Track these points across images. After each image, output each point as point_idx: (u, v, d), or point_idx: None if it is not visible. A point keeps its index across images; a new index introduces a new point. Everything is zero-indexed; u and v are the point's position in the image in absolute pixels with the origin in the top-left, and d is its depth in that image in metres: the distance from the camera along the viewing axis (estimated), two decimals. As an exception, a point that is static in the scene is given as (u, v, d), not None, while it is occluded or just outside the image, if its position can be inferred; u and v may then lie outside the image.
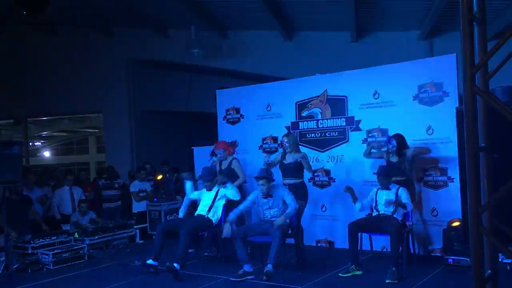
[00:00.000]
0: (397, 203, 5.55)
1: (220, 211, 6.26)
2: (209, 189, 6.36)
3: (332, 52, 10.26)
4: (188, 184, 6.61)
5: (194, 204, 6.63)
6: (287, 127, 7.73)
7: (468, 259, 5.34)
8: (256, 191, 5.97)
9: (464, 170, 2.22)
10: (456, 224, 5.85)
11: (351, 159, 7.10)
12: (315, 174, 7.37)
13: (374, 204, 5.85)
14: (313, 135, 7.48)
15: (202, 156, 8.54)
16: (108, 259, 7.01)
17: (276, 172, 6.49)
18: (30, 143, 35.01)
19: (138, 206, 8.97)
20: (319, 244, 7.39)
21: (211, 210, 6.24)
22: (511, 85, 5.51)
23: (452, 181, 6.23)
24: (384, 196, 5.74)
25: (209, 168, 6.65)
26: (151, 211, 8.42)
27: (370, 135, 6.96)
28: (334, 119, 7.29)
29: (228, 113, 8.50)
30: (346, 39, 10.27)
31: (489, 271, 2.31)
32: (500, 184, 2.01)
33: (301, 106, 7.61)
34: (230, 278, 5.47)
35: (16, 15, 7.89)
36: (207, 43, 10.96)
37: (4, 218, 6.44)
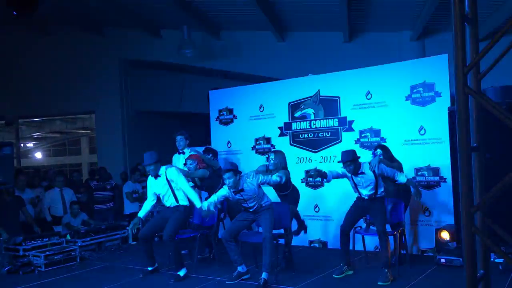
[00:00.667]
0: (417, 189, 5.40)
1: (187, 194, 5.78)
2: (156, 176, 5.78)
3: (325, 52, 10.27)
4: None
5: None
6: (280, 128, 7.73)
7: (460, 259, 5.37)
8: (227, 187, 5.43)
9: (456, 170, 2.24)
10: (445, 236, 5.86)
11: (344, 159, 7.10)
12: (308, 175, 7.34)
13: (354, 188, 5.57)
14: (306, 135, 7.49)
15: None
16: (100, 260, 6.97)
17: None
18: (22, 144, 34.78)
19: (130, 207, 8.92)
20: (312, 245, 7.39)
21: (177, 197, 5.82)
22: (503, 85, 5.54)
23: (445, 181, 6.26)
24: (362, 180, 5.40)
25: (149, 153, 5.78)
26: (144, 212, 8.37)
27: (362, 135, 6.97)
28: (327, 120, 7.30)
29: (221, 113, 8.49)
30: (339, 39, 10.29)
31: (482, 271, 2.31)
32: (492, 184, 2.01)
33: (294, 106, 7.61)
34: (227, 282, 5.43)
35: (7, 16, 7.82)
36: (200, 44, 10.94)
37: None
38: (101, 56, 12.39)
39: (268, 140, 7.90)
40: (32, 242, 6.75)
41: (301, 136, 7.52)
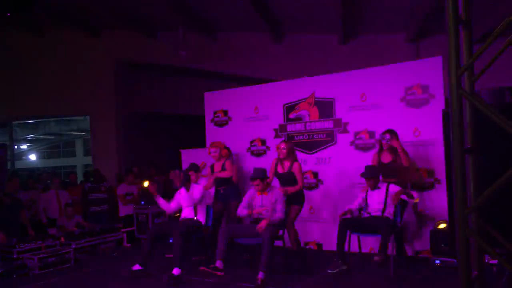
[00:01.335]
0: (403, 193, 5.56)
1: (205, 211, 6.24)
2: (188, 189, 6.28)
3: (320, 54, 10.30)
4: None
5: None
6: (275, 130, 7.73)
7: (455, 261, 5.37)
8: (251, 190, 6.04)
9: (450, 172, 2.25)
10: (442, 226, 5.88)
11: (339, 161, 7.12)
12: (303, 177, 7.35)
13: (364, 206, 5.83)
14: (301, 137, 7.49)
15: (190, 158, 8.50)
16: (95, 263, 6.94)
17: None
18: (16, 146, 34.62)
19: (125, 210, 8.89)
20: (307, 246, 7.39)
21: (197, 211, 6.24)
22: (497, 86, 5.55)
23: (439, 183, 6.28)
24: (375, 197, 5.75)
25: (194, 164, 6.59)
26: (138, 214, 8.36)
27: (357, 137, 6.99)
28: (322, 121, 7.31)
29: (216, 115, 8.48)
30: (334, 41, 10.31)
31: (476, 272, 2.32)
32: (487, 186, 2.02)
33: (289, 108, 7.62)
34: (200, 268, 5.48)
35: (1, 16, 7.79)
36: (195, 45, 10.92)
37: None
38: (96, 58, 12.35)
39: (263, 141, 7.90)
40: (26, 244, 6.71)
41: (296, 137, 7.53)
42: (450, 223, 5.73)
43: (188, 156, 8.75)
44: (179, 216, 6.45)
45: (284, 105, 7.66)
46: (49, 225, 8.43)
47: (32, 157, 37.87)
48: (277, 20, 10.15)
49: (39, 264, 6.42)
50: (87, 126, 15.98)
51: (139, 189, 9.01)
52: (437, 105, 6.25)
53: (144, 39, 11.84)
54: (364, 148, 6.91)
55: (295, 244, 6.07)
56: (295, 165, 6.11)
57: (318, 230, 7.29)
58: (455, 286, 2.11)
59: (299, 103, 7.52)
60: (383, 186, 5.74)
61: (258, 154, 7.90)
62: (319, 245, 7.31)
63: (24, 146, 36.23)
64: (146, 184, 8.86)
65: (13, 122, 21.27)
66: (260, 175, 5.83)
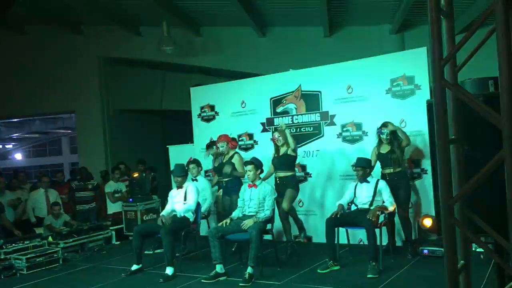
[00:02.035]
0: (379, 208, 5.60)
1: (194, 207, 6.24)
2: (180, 186, 6.28)
3: (306, 47, 10.28)
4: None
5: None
6: (262, 124, 7.72)
7: (442, 249, 5.43)
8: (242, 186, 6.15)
9: (435, 163, 2.25)
10: (427, 223, 5.93)
11: (327, 154, 7.14)
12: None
13: (353, 198, 5.86)
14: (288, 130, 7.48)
15: (177, 155, 8.47)
16: (83, 262, 6.90)
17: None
18: (1, 145, 34.19)
19: (113, 207, 8.83)
20: (296, 240, 7.40)
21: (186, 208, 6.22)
22: (481, 77, 5.59)
23: (426, 173, 6.33)
24: (363, 190, 5.78)
25: (181, 165, 6.54)
26: (127, 211, 8.31)
27: (344, 129, 7.01)
28: (309, 114, 7.31)
29: (202, 110, 8.45)
30: (319, 34, 10.30)
31: (462, 261, 2.34)
32: (471, 176, 2.03)
33: (276, 102, 7.61)
34: (202, 280, 5.44)
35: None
36: (180, 40, 10.84)
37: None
38: (79, 55, 12.19)
39: (250, 136, 7.89)
40: (13, 245, 6.64)
41: (284, 131, 7.51)
42: (436, 213, 5.80)
43: (176, 152, 8.72)
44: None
45: (271, 99, 7.65)
46: (38, 224, 8.34)
47: (18, 156, 37.44)
48: (261, 13, 10.10)
49: (27, 264, 6.37)
50: (73, 124, 15.81)
51: (131, 179, 8.97)
52: (423, 96, 6.28)
53: (128, 35, 11.71)
54: (351, 140, 6.94)
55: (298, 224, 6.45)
56: (290, 151, 6.30)
57: (307, 223, 7.30)
58: (443, 274, 2.13)
59: (286, 96, 7.51)
60: (372, 181, 5.76)
61: (246, 149, 7.89)
62: (309, 238, 7.32)
63: (9, 145, 35.80)
64: (136, 175, 8.85)
65: (-3, 121, 21.00)
66: (255, 160, 5.93)
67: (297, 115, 7.41)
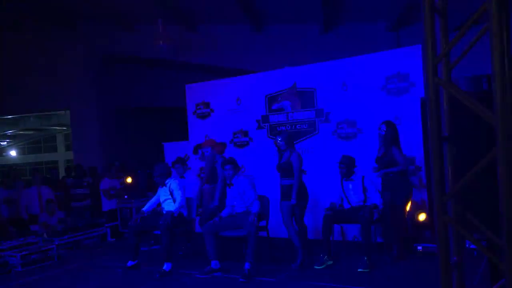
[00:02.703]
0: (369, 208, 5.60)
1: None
2: (162, 185, 6.26)
3: (301, 44, 10.28)
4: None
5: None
6: (258, 121, 7.72)
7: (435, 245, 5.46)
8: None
9: (429, 160, 2.27)
10: (422, 217, 5.96)
11: (322, 151, 7.15)
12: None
13: (344, 197, 5.89)
14: (283, 128, 7.49)
15: (172, 151, 8.46)
16: (78, 259, 6.88)
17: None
18: (-5, 143, 34.00)
19: (108, 204, 8.82)
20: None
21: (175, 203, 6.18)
22: (475, 75, 5.62)
23: (420, 170, 6.35)
24: (350, 187, 5.82)
25: (161, 164, 6.50)
26: (122, 208, 8.30)
27: (339, 126, 7.02)
28: (304, 112, 7.32)
29: (198, 107, 8.43)
30: (315, 31, 10.31)
31: (455, 258, 2.35)
32: (464, 173, 2.04)
33: (271, 99, 7.61)
34: (196, 275, 5.47)
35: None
36: (175, 37, 10.82)
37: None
38: (74, 52, 12.16)
39: (246, 133, 7.89)
40: (8, 242, 6.62)
41: (279, 128, 7.53)
42: (429, 210, 5.84)
43: (171, 149, 8.71)
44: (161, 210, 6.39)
45: (266, 96, 7.65)
46: (31, 221, 8.32)
47: (13, 153, 37.26)
48: (257, 11, 10.10)
49: (22, 262, 6.35)
50: (68, 121, 15.74)
51: (122, 183, 8.96)
52: (417, 93, 6.29)
53: (123, 32, 11.68)
54: (346, 138, 6.95)
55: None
56: (294, 155, 5.78)
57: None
58: (437, 271, 2.14)
59: (281, 93, 7.51)
60: (357, 178, 5.80)
61: (241, 146, 7.89)
62: (304, 235, 7.34)
63: (3, 142, 35.60)
64: (129, 180, 8.83)
65: (-8, 118, 20.90)
66: (232, 160, 5.93)
67: (292, 112, 7.41)
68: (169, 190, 6.16)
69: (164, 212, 6.13)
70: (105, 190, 8.83)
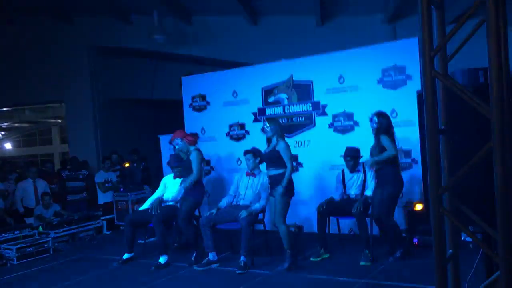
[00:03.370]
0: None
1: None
2: (176, 176, 6.30)
3: (297, 36, 10.22)
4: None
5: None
6: (254, 113, 7.71)
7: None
8: (239, 174, 6.14)
9: (425, 153, 2.25)
10: (419, 207, 5.98)
11: (318, 144, 7.15)
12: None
13: (343, 189, 5.90)
14: (280, 120, 7.47)
15: (168, 144, 8.43)
16: (74, 252, 6.88)
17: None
18: (-10, 135, 33.84)
19: (104, 197, 8.81)
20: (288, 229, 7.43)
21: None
22: (472, 68, 5.61)
23: (416, 163, 6.36)
24: (354, 179, 5.82)
25: (176, 155, 6.46)
26: (118, 201, 8.29)
27: (336, 119, 7.01)
28: (301, 104, 7.31)
29: (194, 100, 8.41)
30: (311, 23, 10.25)
31: (450, 250, 2.36)
32: (460, 166, 2.04)
33: (268, 92, 7.59)
34: (194, 267, 5.49)
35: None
36: (171, 29, 10.75)
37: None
38: (69, 43, 12.05)
39: (242, 126, 7.87)
40: (3, 235, 6.61)
41: (275, 121, 7.51)
42: (425, 202, 5.86)
43: (167, 142, 8.66)
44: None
45: (262, 88, 7.63)
46: (27, 214, 8.31)
47: (7, 145, 37.12)
48: (253, 2, 10.04)
49: (17, 255, 6.35)
50: (64, 113, 15.67)
51: (118, 176, 8.94)
52: (414, 86, 6.29)
53: (118, 24, 11.59)
54: (343, 130, 6.95)
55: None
56: (281, 143, 5.38)
57: (298, 212, 7.33)
58: (433, 263, 2.15)
59: (278, 86, 7.49)
60: (361, 169, 5.80)
61: (238, 138, 7.88)
62: (300, 228, 7.35)
63: (-2, 135, 35.46)
64: (126, 165, 8.81)
65: (-14, 110, 20.79)
66: (253, 150, 5.93)
67: (289, 105, 7.40)
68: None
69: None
70: (99, 183, 8.82)
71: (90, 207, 8.91)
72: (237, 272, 5.23)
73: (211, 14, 10.82)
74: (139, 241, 6.58)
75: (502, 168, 1.84)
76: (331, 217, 5.89)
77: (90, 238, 7.65)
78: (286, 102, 7.43)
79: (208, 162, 8.27)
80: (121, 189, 8.43)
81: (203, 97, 8.30)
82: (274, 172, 5.38)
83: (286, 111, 7.43)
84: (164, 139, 8.83)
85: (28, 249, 6.50)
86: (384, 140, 5.34)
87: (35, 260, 6.44)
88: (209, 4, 10.35)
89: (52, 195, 8.30)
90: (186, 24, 11.14)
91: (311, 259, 5.56)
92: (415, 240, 5.84)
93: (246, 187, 5.88)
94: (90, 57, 12.19)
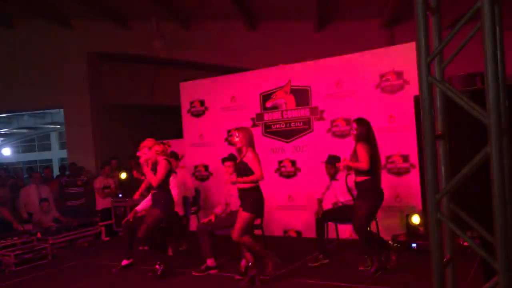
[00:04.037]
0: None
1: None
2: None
3: (296, 42, 10.27)
4: None
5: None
6: (252, 119, 7.72)
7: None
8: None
9: (422, 158, 2.25)
10: (416, 221, 5.99)
11: (316, 149, 7.15)
12: (281, 165, 7.41)
13: (336, 197, 5.91)
14: (278, 125, 7.50)
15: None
16: (72, 258, 6.86)
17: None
18: (-11, 141, 33.81)
19: (102, 203, 8.79)
20: (286, 234, 7.43)
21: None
22: (469, 73, 5.62)
23: (414, 168, 6.37)
24: (337, 188, 5.89)
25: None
26: (116, 207, 8.27)
27: (334, 124, 7.02)
28: (299, 110, 7.32)
29: (192, 105, 8.42)
30: (309, 29, 10.30)
31: (448, 255, 2.35)
32: (458, 171, 2.04)
33: (266, 97, 7.60)
34: (193, 273, 5.47)
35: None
36: (169, 35, 10.78)
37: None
38: (68, 49, 12.07)
39: (240, 131, 7.86)
40: (2, 241, 6.59)
41: (273, 126, 7.53)
42: (423, 207, 5.85)
43: (165, 147, 8.67)
44: None
45: (260, 94, 7.64)
46: (30, 220, 8.29)
47: (6, 151, 37.07)
48: (251, 8, 10.08)
49: (15, 261, 6.32)
50: (62, 119, 15.66)
51: (116, 182, 8.92)
52: (412, 91, 6.30)
53: (117, 30, 11.62)
54: (341, 136, 6.96)
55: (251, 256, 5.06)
56: (249, 154, 4.93)
57: (297, 217, 7.33)
58: (430, 268, 2.14)
59: (276, 91, 7.51)
60: (341, 178, 5.85)
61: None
62: (298, 233, 7.36)
63: (-3, 141, 35.42)
64: (123, 175, 8.79)
65: (-15, 116, 20.79)
66: (231, 157, 5.86)
67: (287, 110, 7.41)
68: None
69: None
70: (98, 189, 8.80)
71: (88, 213, 8.88)
72: (236, 277, 5.20)
73: (209, 20, 10.86)
74: (139, 248, 6.57)
75: (499, 173, 1.84)
76: (330, 223, 5.89)
77: (89, 244, 7.62)
78: (284, 107, 7.44)
79: (206, 168, 8.28)
80: (120, 195, 8.41)
81: (202, 103, 8.31)
82: (242, 184, 4.94)
83: (284, 116, 7.44)
84: (162, 145, 8.81)
85: (26, 256, 6.47)
86: (360, 149, 5.01)
87: (34, 266, 6.42)
88: (207, 10, 10.39)
89: (49, 202, 8.27)
90: (185, 30, 11.18)
91: (309, 264, 5.55)
92: (414, 245, 5.83)
93: (230, 193, 5.86)
94: (89, 62, 12.21)
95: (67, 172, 9.55)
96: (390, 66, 6.55)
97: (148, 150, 5.64)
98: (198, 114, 8.35)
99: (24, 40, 12.33)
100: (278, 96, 7.49)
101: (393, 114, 6.50)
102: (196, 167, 8.34)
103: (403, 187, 6.49)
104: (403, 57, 6.44)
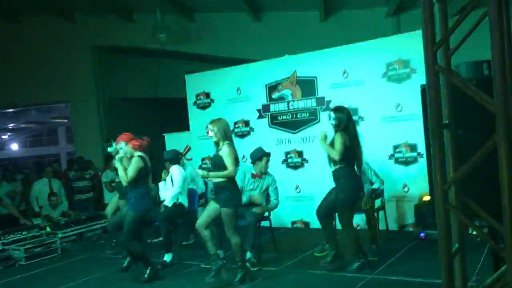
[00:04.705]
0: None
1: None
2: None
3: (301, 32, 10.18)
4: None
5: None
6: (258, 110, 7.70)
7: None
8: (243, 169, 5.78)
9: (429, 147, 2.22)
10: (427, 198, 5.95)
11: (323, 139, 7.12)
12: (288, 156, 7.40)
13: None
14: (284, 117, 7.47)
15: (173, 142, 8.45)
16: (82, 251, 6.91)
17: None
18: (-3, 136, 34.04)
19: (110, 197, 8.81)
20: (294, 225, 7.44)
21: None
22: (476, 60, 5.55)
23: (422, 157, 6.34)
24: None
25: (171, 151, 6.62)
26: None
27: (340, 114, 6.97)
28: (305, 100, 7.28)
29: (198, 98, 8.41)
30: (315, 18, 10.21)
31: (457, 244, 2.34)
32: (465, 160, 2.02)
33: (271, 88, 7.57)
34: (202, 265, 5.47)
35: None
36: (174, 27, 10.75)
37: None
38: (73, 43, 12.07)
39: (246, 123, 7.86)
40: (11, 235, 6.64)
41: (280, 117, 7.51)
42: (431, 197, 5.81)
43: (172, 140, 8.69)
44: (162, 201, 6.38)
45: (266, 85, 7.62)
46: (34, 215, 8.35)
47: (14, 146, 37.33)
48: (256, -2, 10.02)
49: (26, 255, 6.38)
50: (69, 113, 15.72)
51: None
52: (419, 80, 6.24)
53: (122, 23, 11.60)
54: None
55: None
56: (224, 148, 4.74)
57: (305, 208, 7.32)
58: (438, 258, 2.13)
59: (282, 82, 7.48)
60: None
61: (242, 135, 7.88)
62: (306, 223, 7.36)
63: (5, 136, 35.64)
64: None
65: (-7, 112, 20.93)
66: (264, 153, 5.86)
67: (293, 101, 7.38)
68: (170, 176, 6.18)
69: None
70: (106, 183, 8.84)
71: (96, 206, 8.94)
72: (251, 269, 5.19)
73: (214, 11, 10.80)
74: (147, 241, 6.60)
75: (507, 161, 1.82)
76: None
77: (97, 237, 7.67)
78: (290, 98, 7.41)
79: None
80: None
81: (207, 95, 8.30)
82: (218, 179, 4.77)
83: (290, 107, 7.41)
84: (169, 138, 8.84)
85: (36, 250, 6.53)
86: (337, 141, 4.89)
87: (43, 260, 6.47)
88: (211, 1, 10.33)
89: (59, 196, 8.33)
90: (189, 22, 11.13)
91: (315, 254, 5.54)
92: (422, 234, 5.81)
93: (253, 188, 5.83)
94: (95, 56, 12.22)
95: (75, 166, 9.59)
96: (397, 55, 6.49)
97: (125, 145, 5.33)
98: (204, 107, 8.35)
99: (29, 35, 12.34)
100: (284, 87, 7.45)
101: (400, 103, 6.46)
102: (203, 159, 8.34)
103: (411, 176, 6.45)
104: (410, 45, 6.37)
